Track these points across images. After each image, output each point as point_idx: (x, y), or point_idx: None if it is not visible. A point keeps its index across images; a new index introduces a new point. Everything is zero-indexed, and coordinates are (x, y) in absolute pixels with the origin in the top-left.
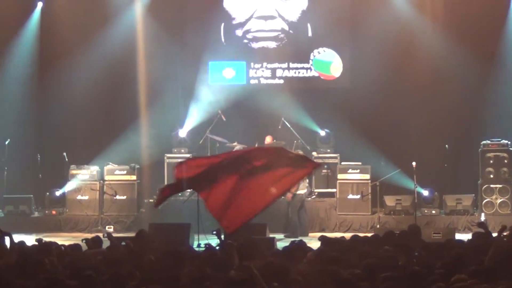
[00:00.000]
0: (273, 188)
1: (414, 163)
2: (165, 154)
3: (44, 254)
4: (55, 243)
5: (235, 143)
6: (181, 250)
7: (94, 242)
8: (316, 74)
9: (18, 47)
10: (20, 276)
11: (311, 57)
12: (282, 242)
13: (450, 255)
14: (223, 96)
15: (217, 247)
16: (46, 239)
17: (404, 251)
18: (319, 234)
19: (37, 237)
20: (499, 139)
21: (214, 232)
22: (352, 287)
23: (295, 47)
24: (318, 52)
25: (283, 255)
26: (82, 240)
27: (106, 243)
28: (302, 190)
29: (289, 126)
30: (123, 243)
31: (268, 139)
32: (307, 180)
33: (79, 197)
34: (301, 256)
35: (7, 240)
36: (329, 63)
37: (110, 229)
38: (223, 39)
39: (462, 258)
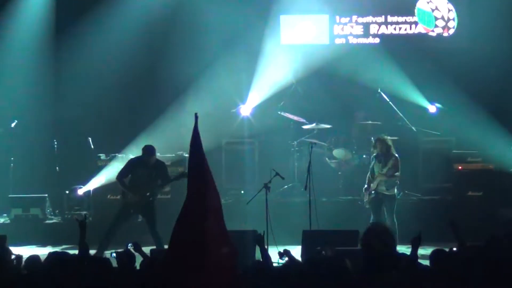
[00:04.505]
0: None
1: None
2: (223, 139)
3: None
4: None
5: (313, 124)
6: None
7: (128, 257)
8: (423, 30)
9: (26, 8)
10: None
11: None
12: None
13: None
14: (299, 61)
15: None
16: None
17: None
18: None
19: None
20: None
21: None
22: None
23: None
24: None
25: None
26: (111, 254)
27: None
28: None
29: (387, 99)
30: None
31: (360, 117)
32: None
33: (109, 196)
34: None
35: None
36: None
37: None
38: None
39: None
